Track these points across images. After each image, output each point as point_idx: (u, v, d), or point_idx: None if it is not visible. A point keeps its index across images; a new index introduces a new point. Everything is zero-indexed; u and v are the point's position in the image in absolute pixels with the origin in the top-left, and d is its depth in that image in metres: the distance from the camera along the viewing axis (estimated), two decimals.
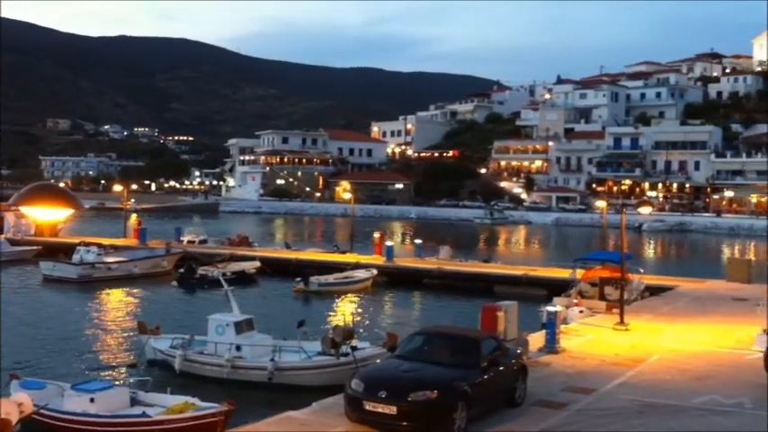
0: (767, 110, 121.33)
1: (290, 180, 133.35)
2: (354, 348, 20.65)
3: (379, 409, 12.85)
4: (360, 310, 33.54)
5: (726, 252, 69.99)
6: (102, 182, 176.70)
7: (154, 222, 75.32)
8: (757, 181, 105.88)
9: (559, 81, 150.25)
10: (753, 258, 54.18)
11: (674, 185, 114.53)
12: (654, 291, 32.94)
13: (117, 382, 18.92)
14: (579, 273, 31.40)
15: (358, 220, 74.96)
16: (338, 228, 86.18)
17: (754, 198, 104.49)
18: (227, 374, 20.82)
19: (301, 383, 20.22)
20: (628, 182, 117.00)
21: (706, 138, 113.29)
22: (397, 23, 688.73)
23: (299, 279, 38.12)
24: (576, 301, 28.34)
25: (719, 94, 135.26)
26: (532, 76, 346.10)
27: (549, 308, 20.68)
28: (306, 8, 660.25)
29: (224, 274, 31.59)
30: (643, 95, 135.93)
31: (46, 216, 56.78)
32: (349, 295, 37.12)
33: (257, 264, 42.72)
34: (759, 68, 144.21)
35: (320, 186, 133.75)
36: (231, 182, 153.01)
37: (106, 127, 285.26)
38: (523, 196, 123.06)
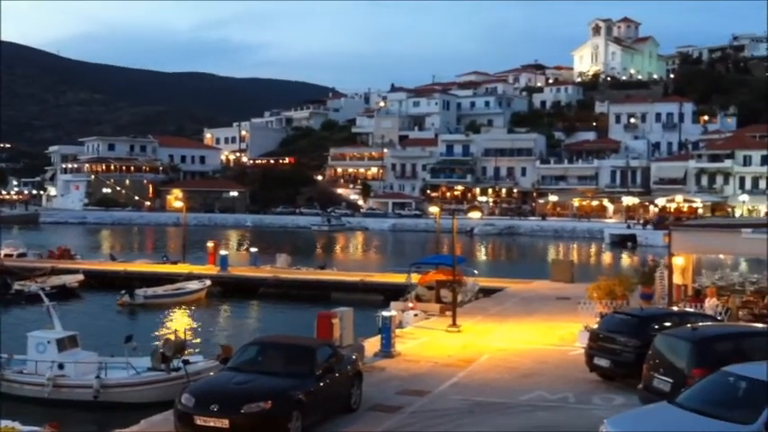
0: (587, 119, 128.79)
1: (118, 189, 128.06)
2: (186, 362, 20.03)
3: (211, 424, 12.61)
4: (193, 323, 32.56)
5: (551, 253, 73.52)
6: None
7: None
8: (578, 185, 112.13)
9: (393, 89, 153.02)
10: (574, 259, 57.24)
11: (503, 191, 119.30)
12: (486, 292, 33.98)
13: None
14: (415, 277, 31.97)
15: (191, 230, 73.09)
16: (170, 238, 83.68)
17: (575, 202, 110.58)
18: (48, 394, 19.77)
19: (130, 401, 19.41)
20: (460, 187, 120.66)
21: (531, 145, 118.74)
22: (231, 28, 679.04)
23: (123, 291, 36.60)
24: (411, 304, 28.79)
25: (543, 103, 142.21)
26: (367, 83, 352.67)
27: (384, 313, 20.85)
28: (133, 10, 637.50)
29: (43, 289, 29.86)
30: (473, 104, 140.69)
31: None
32: (181, 307, 36.00)
33: (80, 277, 40.62)
34: (579, 79, 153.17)
35: (150, 195, 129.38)
36: (53, 191, 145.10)
37: None
38: (360, 203, 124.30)
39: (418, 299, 29.67)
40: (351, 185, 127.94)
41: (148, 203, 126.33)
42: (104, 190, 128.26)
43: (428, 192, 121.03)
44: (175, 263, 45.74)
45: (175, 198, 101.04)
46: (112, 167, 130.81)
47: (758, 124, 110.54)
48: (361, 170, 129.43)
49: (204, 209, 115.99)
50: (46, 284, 36.77)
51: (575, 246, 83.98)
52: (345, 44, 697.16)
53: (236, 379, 13.47)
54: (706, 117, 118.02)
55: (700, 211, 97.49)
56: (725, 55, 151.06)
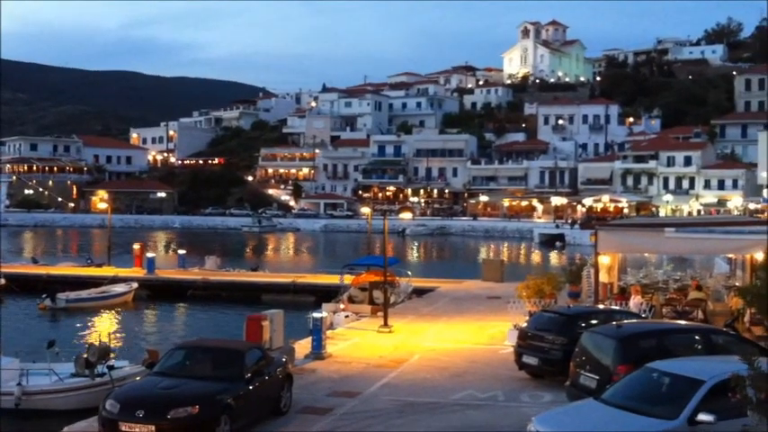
0: (516, 120, 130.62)
1: (41, 190, 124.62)
2: (111, 368, 19.54)
3: (137, 430, 12.44)
4: (119, 327, 31.87)
5: (482, 253, 74.25)
6: None
7: None
8: (508, 186, 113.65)
9: (325, 89, 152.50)
10: (505, 258, 57.90)
11: (435, 191, 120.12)
12: (418, 292, 34.07)
13: None
14: (347, 278, 31.88)
15: (118, 231, 71.74)
16: (95, 240, 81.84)
17: (506, 202, 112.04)
18: None
19: (53, 408, 18.83)
20: (392, 188, 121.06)
21: (462, 146, 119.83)
22: (159, 26, 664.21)
23: (45, 296, 35.57)
24: (342, 306, 28.70)
25: (474, 104, 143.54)
26: (298, 83, 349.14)
27: (315, 314, 20.73)
28: (58, 8, 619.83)
29: None
30: (405, 105, 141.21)
31: None
32: (106, 311, 35.16)
33: (1, 281, 39.34)
34: (508, 81, 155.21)
35: (74, 196, 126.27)
36: None
37: None
38: (292, 203, 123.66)
39: (351, 300, 29.56)
40: (282, 186, 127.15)
41: (72, 205, 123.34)
42: (26, 191, 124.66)
43: (360, 192, 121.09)
44: (100, 266, 44.65)
45: (100, 199, 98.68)
46: (35, 168, 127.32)
47: (681, 126, 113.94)
48: (293, 171, 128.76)
49: (130, 210, 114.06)
50: None
51: (505, 245, 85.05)
52: (275, 44, 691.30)
53: (163, 384, 13.27)
54: (631, 119, 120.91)
55: (625, 210, 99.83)
56: (649, 58, 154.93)
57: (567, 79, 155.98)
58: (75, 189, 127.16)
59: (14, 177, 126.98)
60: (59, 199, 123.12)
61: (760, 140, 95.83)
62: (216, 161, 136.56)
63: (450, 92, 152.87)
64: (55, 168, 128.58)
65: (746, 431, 8.55)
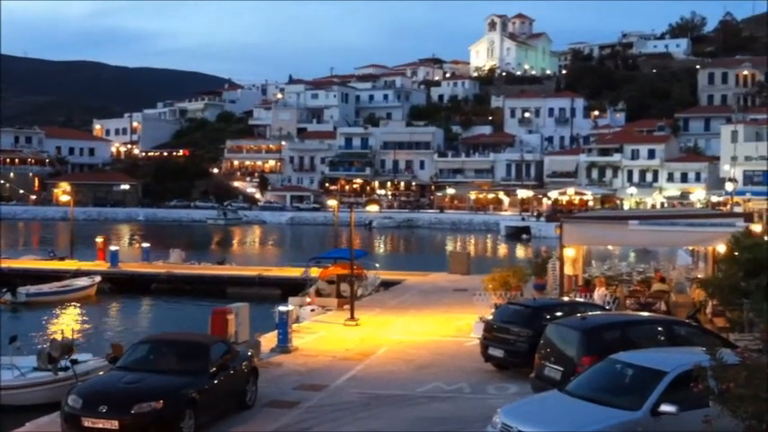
0: (483, 113, 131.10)
1: (1, 182, 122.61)
2: (74, 362, 19.31)
3: (100, 425, 12.32)
4: (82, 321, 31.50)
5: (448, 246, 74.49)
6: None
7: None
8: (475, 179, 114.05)
9: (291, 81, 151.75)
10: (471, 251, 58.18)
11: (402, 184, 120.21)
12: (385, 285, 34.09)
13: None
14: (314, 271, 31.78)
15: (81, 224, 70.99)
16: (58, 233, 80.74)
17: (472, 195, 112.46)
18: None
19: (15, 403, 18.56)
20: (359, 180, 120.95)
21: (429, 138, 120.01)
22: (123, 16, 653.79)
23: (5, 289, 35.04)
24: (309, 299, 28.61)
25: (441, 97, 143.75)
26: (264, 75, 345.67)
27: (281, 307, 20.65)
28: None
29: None
30: (372, 97, 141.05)
31: None
32: (69, 305, 34.71)
33: None
34: (475, 74, 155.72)
35: (36, 188, 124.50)
36: None
37: None
38: (258, 196, 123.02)
39: (319, 293, 29.46)
40: (248, 178, 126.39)
41: (34, 197, 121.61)
42: None
43: (327, 185, 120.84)
44: (63, 259, 44.07)
45: (63, 192, 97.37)
46: None
47: (645, 119, 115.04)
48: (259, 163, 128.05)
49: (94, 202, 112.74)
50: None
51: (472, 238, 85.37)
52: (241, 34, 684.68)
53: (126, 378, 13.19)
54: (596, 112, 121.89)
55: (590, 203, 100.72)
56: (614, 52, 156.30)
57: (533, 72, 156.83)
58: (37, 181, 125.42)
59: None
60: (21, 191, 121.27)
61: (722, 134, 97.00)
62: (180, 153, 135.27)
63: (417, 84, 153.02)
64: (16, 160, 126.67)
65: (708, 421, 8.65)
